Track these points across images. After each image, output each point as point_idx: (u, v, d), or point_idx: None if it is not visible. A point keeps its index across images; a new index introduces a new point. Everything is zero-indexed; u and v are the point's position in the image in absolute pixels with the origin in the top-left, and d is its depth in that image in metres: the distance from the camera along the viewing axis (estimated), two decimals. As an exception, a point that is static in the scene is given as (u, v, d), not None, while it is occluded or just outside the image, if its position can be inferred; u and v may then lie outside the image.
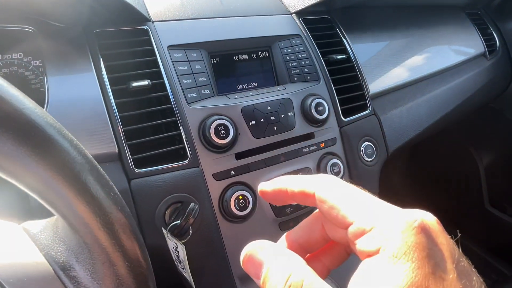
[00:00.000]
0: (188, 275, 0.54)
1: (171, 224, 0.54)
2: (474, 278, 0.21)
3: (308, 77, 0.72)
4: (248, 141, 0.63)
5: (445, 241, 0.21)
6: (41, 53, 0.57)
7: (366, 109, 0.78)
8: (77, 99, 0.56)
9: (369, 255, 0.21)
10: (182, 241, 0.53)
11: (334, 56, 0.76)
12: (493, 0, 1.12)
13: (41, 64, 0.57)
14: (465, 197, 1.33)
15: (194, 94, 0.61)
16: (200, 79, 0.63)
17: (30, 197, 0.27)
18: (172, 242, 0.53)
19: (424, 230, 0.21)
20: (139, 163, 0.56)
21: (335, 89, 0.74)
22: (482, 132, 1.26)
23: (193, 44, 0.65)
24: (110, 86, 0.57)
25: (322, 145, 0.70)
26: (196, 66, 0.63)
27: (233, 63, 0.68)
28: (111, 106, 0.56)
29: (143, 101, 0.59)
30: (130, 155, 0.56)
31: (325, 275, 0.27)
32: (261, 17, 0.74)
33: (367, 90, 0.79)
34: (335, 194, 0.24)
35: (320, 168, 0.68)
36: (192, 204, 0.54)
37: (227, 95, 0.65)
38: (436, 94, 0.92)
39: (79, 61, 0.58)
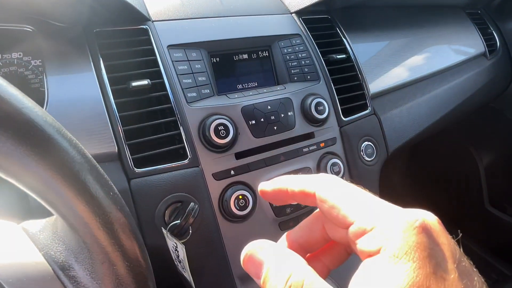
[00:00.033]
0: (188, 274, 0.54)
1: (171, 224, 0.54)
2: (476, 278, 0.21)
3: (308, 77, 0.72)
4: (248, 141, 0.63)
5: (446, 241, 0.21)
6: (41, 52, 0.57)
7: (366, 109, 0.78)
8: (77, 98, 0.56)
9: (370, 255, 0.21)
10: (182, 241, 0.53)
11: (334, 55, 0.76)
12: (493, 0, 1.12)
13: (40, 63, 0.57)
14: (465, 197, 1.33)
15: (194, 94, 0.61)
16: (200, 78, 0.63)
17: (29, 197, 0.26)
18: (172, 242, 0.53)
19: (425, 230, 0.21)
20: (138, 163, 0.56)
21: (335, 88, 0.74)
22: (482, 132, 1.26)
23: (193, 43, 0.64)
24: (110, 86, 0.57)
25: (322, 144, 0.70)
26: (196, 66, 0.63)
27: (233, 62, 0.68)
28: (111, 106, 0.56)
29: (143, 101, 0.59)
30: (129, 154, 0.56)
31: (326, 275, 0.27)
32: (261, 17, 0.74)
33: (367, 90, 0.79)
34: (336, 193, 0.24)
35: (320, 167, 0.68)
36: (192, 203, 0.53)
37: (227, 95, 0.65)
38: (436, 94, 0.92)
39: (78, 61, 0.58)
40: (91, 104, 0.56)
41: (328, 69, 0.74)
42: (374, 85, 0.81)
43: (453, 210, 1.34)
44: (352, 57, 0.79)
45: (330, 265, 0.27)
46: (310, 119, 0.68)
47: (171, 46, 0.63)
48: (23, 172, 0.25)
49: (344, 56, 0.78)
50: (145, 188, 0.55)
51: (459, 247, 0.22)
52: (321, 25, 0.80)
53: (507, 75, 1.12)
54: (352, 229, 0.22)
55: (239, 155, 0.62)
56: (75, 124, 0.54)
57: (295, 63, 0.72)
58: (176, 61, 0.62)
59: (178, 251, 0.53)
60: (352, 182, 0.25)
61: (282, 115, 0.66)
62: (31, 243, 0.30)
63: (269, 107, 0.65)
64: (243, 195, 0.60)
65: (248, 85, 0.69)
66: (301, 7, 0.78)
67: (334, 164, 0.69)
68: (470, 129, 1.26)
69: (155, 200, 0.55)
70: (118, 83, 0.58)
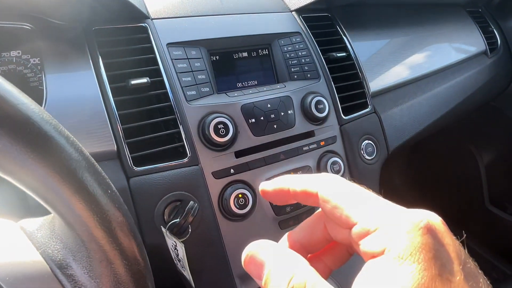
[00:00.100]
0: (187, 273, 0.54)
1: (170, 223, 0.53)
2: (481, 280, 0.20)
3: (308, 75, 0.72)
4: (247, 139, 0.63)
5: (451, 242, 0.21)
6: (40, 51, 0.56)
7: (366, 107, 0.78)
8: (76, 97, 0.55)
9: (374, 256, 0.21)
10: (181, 240, 0.53)
11: (334, 54, 0.76)
12: (494, -2, 1.11)
13: (39, 62, 0.57)
14: (466, 195, 1.33)
15: (194, 92, 0.61)
16: (199, 77, 0.62)
17: (28, 195, 0.26)
18: (171, 241, 0.53)
19: (430, 231, 0.20)
20: (138, 161, 0.56)
21: (335, 87, 0.73)
22: (483, 131, 1.26)
23: (192, 41, 0.64)
24: (109, 84, 0.57)
25: (322, 143, 0.70)
26: (196, 64, 0.63)
27: (233, 61, 0.68)
28: (110, 104, 0.56)
29: (142, 99, 0.59)
30: (129, 153, 0.55)
31: (327, 275, 0.27)
32: (261, 15, 0.74)
33: (367, 88, 0.79)
34: (339, 193, 0.23)
35: (320, 166, 0.68)
36: (191, 202, 0.53)
37: (227, 93, 0.64)
38: (437, 92, 0.92)
39: (77, 59, 0.58)
40: (90, 102, 0.56)
41: (328, 67, 0.74)
42: (375, 84, 0.80)
43: (453, 209, 1.34)
44: (353, 55, 0.79)
45: (332, 266, 0.27)
46: (310, 118, 0.68)
47: (170, 44, 0.62)
48: (20, 169, 0.24)
49: (344, 54, 0.78)
50: (144, 186, 0.55)
51: (464, 248, 0.21)
52: (321, 23, 0.80)
53: (508, 74, 1.12)
54: (355, 230, 0.22)
55: (238, 154, 0.62)
56: (74, 123, 0.54)
57: (295, 61, 0.71)
58: (175, 59, 0.62)
59: (177, 250, 0.53)
60: (353, 181, 0.25)
61: (282, 114, 0.66)
62: (29, 241, 0.30)
63: (269, 106, 0.65)
64: (243, 194, 0.60)
65: (248, 83, 0.68)
66: (301, 5, 0.77)
67: (334, 163, 0.68)
68: (471, 128, 1.26)
69: (155, 199, 0.55)
70: (117, 81, 0.58)
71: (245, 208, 0.60)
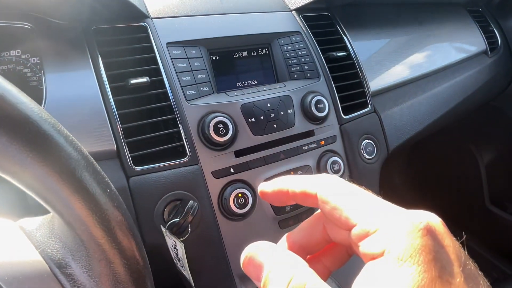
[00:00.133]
0: (187, 273, 0.54)
1: (170, 222, 0.53)
2: (481, 281, 0.20)
3: (308, 74, 0.72)
4: (247, 139, 0.63)
5: (451, 243, 0.21)
6: (39, 50, 0.56)
7: (366, 107, 0.78)
8: (75, 96, 0.55)
9: (373, 257, 0.21)
10: (181, 239, 0.53)
11: (334, 53, 0.76)
12: (494, -2, 1.11)
13: (39, 61, 0.57)
14: (466, 195, 1.33)
15: (193, 91, 0.61)
16: (199, 76, 0.62)
17: (28, 195, 0.26)
18: (171, 240, 0.53)
19: (430, 232, 0.20)
20: (137, 161, 0.56)
21: (335, 86, 0.73)
22: (483, 130, 1.26)
23: (192, 41, 0.64)
24: (109, 83, 0.57)
25: (322, 142, 0.69)
26: (195, 63, 0.63)
27: (233, 60, 0.68)
28: (110, 104, 0.56)
29: (142, 99, 0.59)
30: (128, 152, 0.55)
31: (326, 276, 0.27)
32: (260, 14, 0.74)
33: (367, 88, 0.79)
34: (338, 194, 0.23)
35: (320, 166, 0.68)
36: (191, 201, 0.53)
37: (227, 93, 0.64)
38: (437, 92, 0.92)
39: (77, 58, 0.58)
40: (90, 101, 0.56)
41: (328, 67, 0.74)
42: (375, 83, 0.80)
43: (453, 208, 1.34)
44: (353, 54, 0.79)
45: (331, 267, 0.27)
46: (310, 117, 0.68)
47: (170, 44, 0.62)
48: (19, 168, 0.24)
49: (344, 53, 0.77)
50: (144, 186, 0.55)
51: (464, 250, 0.21)
52: (321, 23, 0.80)
53: (508, 73, 1.12)
54: (354, 231, 0.22)
55: (238, 153, 0.62)
56: (73, 122, 0.53)
57: (295, 60, 0.71)
58: (175, 58, 0.61)
59: (177, 250, 0.53)
60: (352, 181, 0.24)
61: (282, 113, 0.65)
62: (28, 240, 0.30)
63: (268, 105, 0.65)
64: (243, 193, 0.60)
65: (247, 82, 0.68)
66: (301, 4, 0.77)
67: (334, 162, 0.68)
68: (471, 127, 1.26)
69: (154, 198, 0.55)
70: (116, 81, 0.58)
71: (245, 208, 0.60)
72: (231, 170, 0.61)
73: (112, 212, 0.27)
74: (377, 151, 0.77)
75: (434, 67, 0.92)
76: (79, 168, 0.26)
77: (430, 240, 0.20)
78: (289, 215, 0.65)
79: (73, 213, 0.26)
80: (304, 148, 0.67)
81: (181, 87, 0.60)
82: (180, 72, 0.61)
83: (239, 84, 0.67)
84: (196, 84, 0.62)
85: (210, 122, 0.58)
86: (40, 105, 0.52)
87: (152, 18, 0.64)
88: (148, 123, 0.58)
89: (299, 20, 0.77)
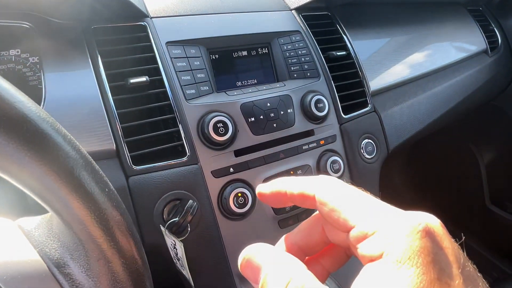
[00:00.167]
0: (186, 272, 0.54)
1: (169, 222, 0.53)
2: (480, 283, 0.20)
3: (308, 74, 0.72)
4: (247, 138, 0.62)
5: (450, 245, 0.20)
6: (39, 49, 0.56)
7: (366, 106, 0.78)
8: (75, 95, 0.55)
9: (372, 259, 0.20)
10: (181, 239, 0.53)
11: (334, 52, 0.76)
12: (494, -3, 1.11)
13: (38, 60, 0.57)
14: (466, 195, 1.33)
15: (193, 91, 0.61)
16: (199, 75, 0.62)
17: (27, 194, 0.26)
18: (170, 240, 0.53)
19: (428, 234, 0.20)
20: (137, 160, 0.56)
21: (335, 86, 0.73)
22: (483, 130, 1.26)
23: (191, 40, 0.64)
24: (108, 83, 0.57)
25: (322, 142, 0.69)
26: (195, 63, 0.63)
27: (232, 59, 0.68)
28: (109, 103, 0.56)
29: (141, 98, 0.59)
30: (128, 152, 0.55)
31: (325, 278, 0.27)
32: (260, 13, 0.74)
33: (367, 87, 0.79)
34: (336, 196, 0.23)
35: (320, 165, 0.68)
36: (190, 201, 0.53)
37: (226, 92, 0.64)
38: (437, 91, 0.92)
39: (76, 58, 0.57)
40: (89, 101, 0.56)
41: (328, 66, 0.74)
42: (375, 82, 0.80)
43: (453, 208, 1.34)
44: (352, 54, 0.79)
45: (330, 268, 0.27)
46: (310, 117, 0.68)
47: (169, 43, 0.62)
48: (17, 168, 0.24)
49: (344, 53, 0.77)
50: (143, 185, 0.55)
51: (463, 251, 0.21)
52: (321, 22, 0.79)
53: (508, 73, 1.12)
54: (353, 233, 0.22)
55: (238, 153, 0.62)
56: (73, 121, 0.53)
57: (295, 60, 0.71)
58: (174, 57, 0.61)
59: (176, 249, 0.53)
60: (352, 181, 0.24)
61: (282, 113, 0.65)
62: (26, 240, 0.30)
63: (268, 104, 0.65)
64: (242, 193, 0.60)
65: (247, 82, 0.68)
66: (301, 4, 0.77)
67: (334, 162, 0.68)
68: (471, 127, 1.26)
69: (154, 198, 0.55)
70: (116, 80, 0.58)
71: (244, 207, 0.60)
72: (231, 169, 0.61)
73: (110, 212, 0.27)
74: (377, 151, 0.77)
75: (434, 67, 0.92)
76: (77, 167, 0.26)
77: (428, 242, 0.20)
78: (289, 214, 0.65)
79: (71, 212, 0.26)
80: (304, 147, 0.67)
81: (181, 86, 0.60)
82: (179, 71, 0.61)
83: (239, 83, 0.67)
84: (196, 83, 0.61)
85: (209, 122, 0.58)
86: (40, 104, 0.52)
87: (151, 18, 0.64)
88: (147, 122, 0.58)
89: (299, 20, 0.76)
